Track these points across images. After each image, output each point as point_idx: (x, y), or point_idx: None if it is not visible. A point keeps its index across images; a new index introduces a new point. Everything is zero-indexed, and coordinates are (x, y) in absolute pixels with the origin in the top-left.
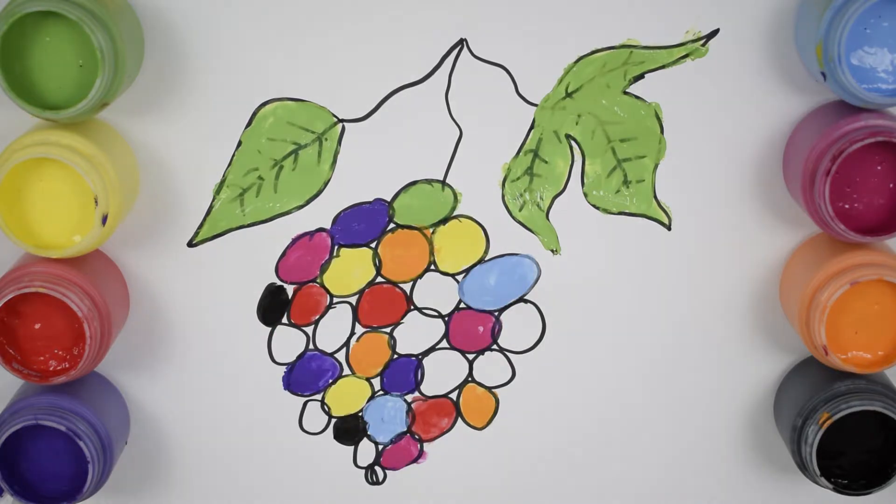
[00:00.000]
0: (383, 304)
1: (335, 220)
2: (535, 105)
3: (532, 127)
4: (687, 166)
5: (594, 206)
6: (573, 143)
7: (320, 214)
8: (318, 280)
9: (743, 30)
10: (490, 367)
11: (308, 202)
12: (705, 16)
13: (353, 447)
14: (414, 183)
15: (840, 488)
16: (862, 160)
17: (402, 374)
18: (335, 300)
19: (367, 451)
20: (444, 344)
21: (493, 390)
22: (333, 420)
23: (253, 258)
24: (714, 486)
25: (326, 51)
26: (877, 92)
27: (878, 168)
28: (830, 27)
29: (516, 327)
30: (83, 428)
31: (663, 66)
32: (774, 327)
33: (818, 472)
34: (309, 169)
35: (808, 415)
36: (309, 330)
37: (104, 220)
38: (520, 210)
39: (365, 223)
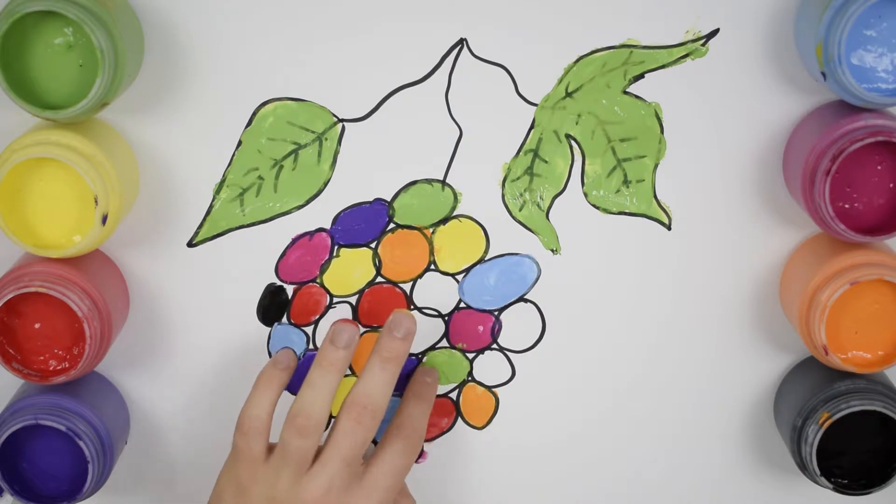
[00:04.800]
0: (383, 303)
1: (335, 220)
2: (535, 105)
3: (532, 127)
4: (687, 166)
5: (594, 205)
6: (573, 142)
7: (320, 214)
8: (318, 280)
9: (743, 30)
10: (490, 367)
11: (308, 202)
12: (705, 16)
13: None
14: (414, 183)
15: (840, 488)
16: (862, 160)
17: (402, 373)
18: (335, 300)
19: None
20: (444, 343)
21: (493, 390)
22: (334, 420)
23: (253, 258)
24: (714, 486)
25: (326, 50)
26: (877, 92)
27: (878, 168)
28: (830, 27)
29: (516, 327)
30: (83, 428)
31: (663, 66)
32: (774, 327)
33: (818, 472)
34: (309, 169)
35: (808, 415)
36: (309, 330)
37: (104, 220)
38: (520, 210)
39: (365, 223)
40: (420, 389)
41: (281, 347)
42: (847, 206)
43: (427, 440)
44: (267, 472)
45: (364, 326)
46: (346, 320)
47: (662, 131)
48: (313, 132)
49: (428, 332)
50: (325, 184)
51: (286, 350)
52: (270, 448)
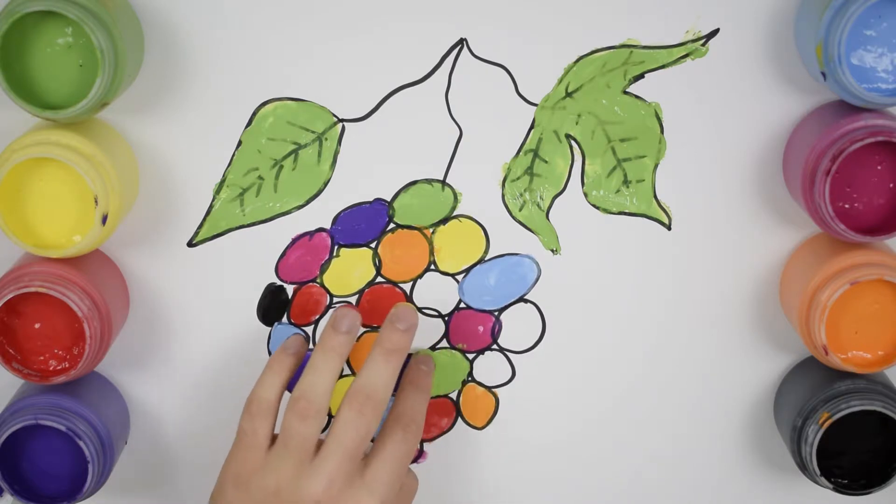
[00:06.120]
0: (383, 304)
1: (335, 220)
2: (535, 105)
3: (532, 127)
4: (687, 166)
5: (594, 206)
6: (573, 142)
7: (320, 214)
8: (318, 280)
9: (743, 30)
10: (490, 367)
11: (308, 202)
12: (705, 16)
13: None
14: (414, 183)
15: (840, 488)
16: (862, 160)
17: (401, 373)
18: (335, 300)
19: None
20: (444, 344)
21: (493, 390)
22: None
23: (253, 258)
24: (714, 486)
25: (326, 50)
26: (877, 92)
27: (878, 168)
28: (830, 27)
29: (516, 327)
30: (83, 428)
31: (663, 66)
32: (774, 327)
33: (818, 472)
34: (309, 169)
35: (808, 415)
36: (309, 330)
37: (104, 220)
38: (520, 210)
39: (365, 223)
40: (416, 377)
41: (291, 334)
42: (847, 206)
43: (427, 440)
44: (268, 462)
45: (364, 326)
46: (347, 305)
47: (662, 131)
48: (313, 132)
49: (428, 332)
50: (325, 184)
51: (296, 336)
52: (275, 438)
